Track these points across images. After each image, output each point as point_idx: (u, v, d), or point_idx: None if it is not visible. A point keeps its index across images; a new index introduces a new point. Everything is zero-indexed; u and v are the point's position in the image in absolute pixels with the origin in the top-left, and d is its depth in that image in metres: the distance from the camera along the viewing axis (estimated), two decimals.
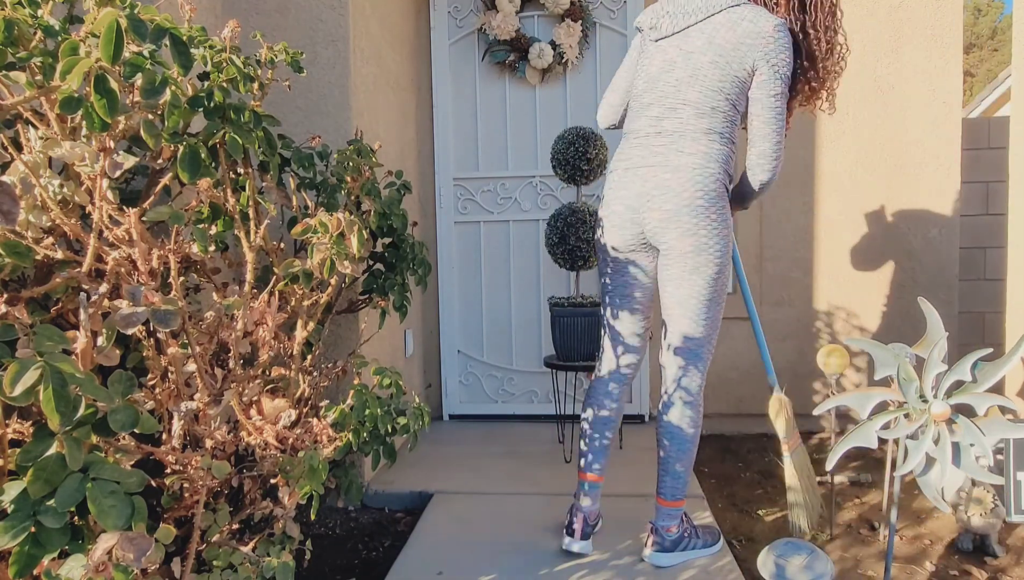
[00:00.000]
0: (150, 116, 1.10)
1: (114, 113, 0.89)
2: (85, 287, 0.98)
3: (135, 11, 0.91)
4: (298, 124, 2.10)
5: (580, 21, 2.86)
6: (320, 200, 1.68)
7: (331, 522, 2.06)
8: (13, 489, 0.77)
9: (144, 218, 1.10)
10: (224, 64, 1.26)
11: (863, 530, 2.00)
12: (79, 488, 0.79)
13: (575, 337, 2.37)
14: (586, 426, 1.76)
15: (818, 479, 2.38)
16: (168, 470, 1.07)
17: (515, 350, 3.07)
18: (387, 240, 1.94)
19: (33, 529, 0.77)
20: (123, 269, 1.02)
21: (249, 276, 1.27)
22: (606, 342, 1.75)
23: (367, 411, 1.36)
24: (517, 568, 1.63)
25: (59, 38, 1.01)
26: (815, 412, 1.56)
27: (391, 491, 2.18)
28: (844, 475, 2.39)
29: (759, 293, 2.95)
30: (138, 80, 0.95)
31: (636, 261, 1.67)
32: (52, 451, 0.79)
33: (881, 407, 1.49)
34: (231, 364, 1.23)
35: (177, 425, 1.07)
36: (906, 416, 1.45)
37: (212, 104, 1.21)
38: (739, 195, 1.68)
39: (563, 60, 2.89)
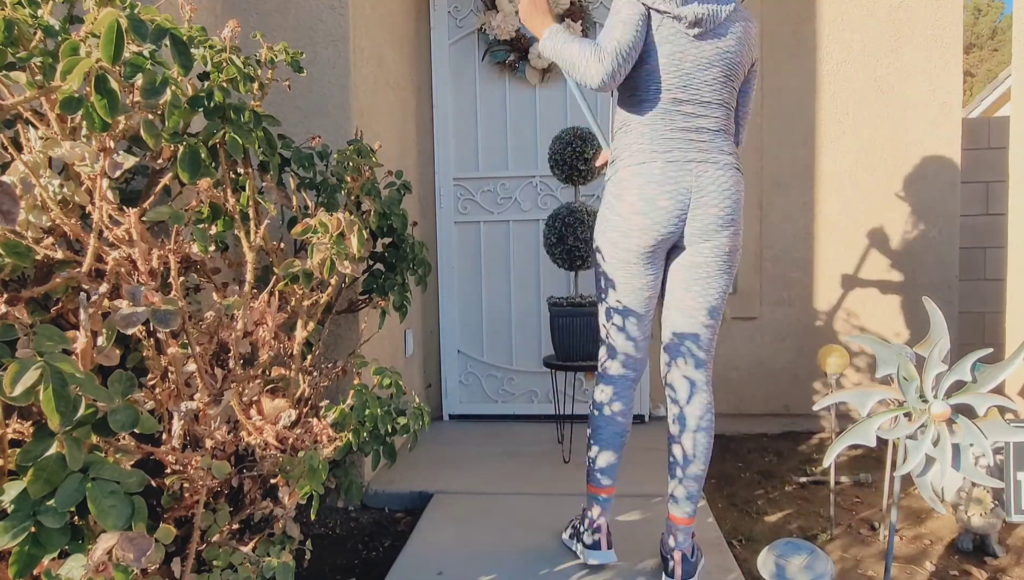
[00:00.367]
0: (150, 116, 1.10)
1: (114, 113, 0.89)
2: (85, 287, 0.98)
3: (135, 11, 0.92)
4: (298, 124, 2.10)
5: (580, 21, 2.86)
6: (320, 200, 1.68)
7: (331, 522, 2.06)
8: (13, 489, 0.77)
9: (144, 218, 1.10)
10: (224, 64, 1.26)
11: (863, 530, 2.00)
12: (79, 488, 0.79)
13: (574, 337, 2.37)
14: (600, 435, 1.65)
15: (816, 479, 2.38)
16: (168, 470, 1.07)
17: (515, 350, 3.07)
18: (387, 240, 1.94)
19: (33, 529, 0.77)
20: (123, 269, 1.02)
21: (249, 276, 1.27)
22: (617, 347, 1.64)
23: (367, 411, 1.36)
24: (517, 568, 1.63)
25: (59, 38, 1.01)
26: (815, 408, 1.56)
27: (391, 491, 2.18)
28: (844, 475, 2.39)
29: (759, 293, 2.95)
30: (138, 80, 0.95)
31: (657, 260, 1.58)
32: (52, 451, 0.79)
33: (881, 406, 1.49)
34: (231, 364, 1.23)
35: (177, 425, 1.07)
36: (906, 415, 1.45)
37: (212, 104, 1.21)
38: None
39: None
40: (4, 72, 0.99)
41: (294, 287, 1.38)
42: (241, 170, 1.39)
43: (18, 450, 0.80)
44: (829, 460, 1.53)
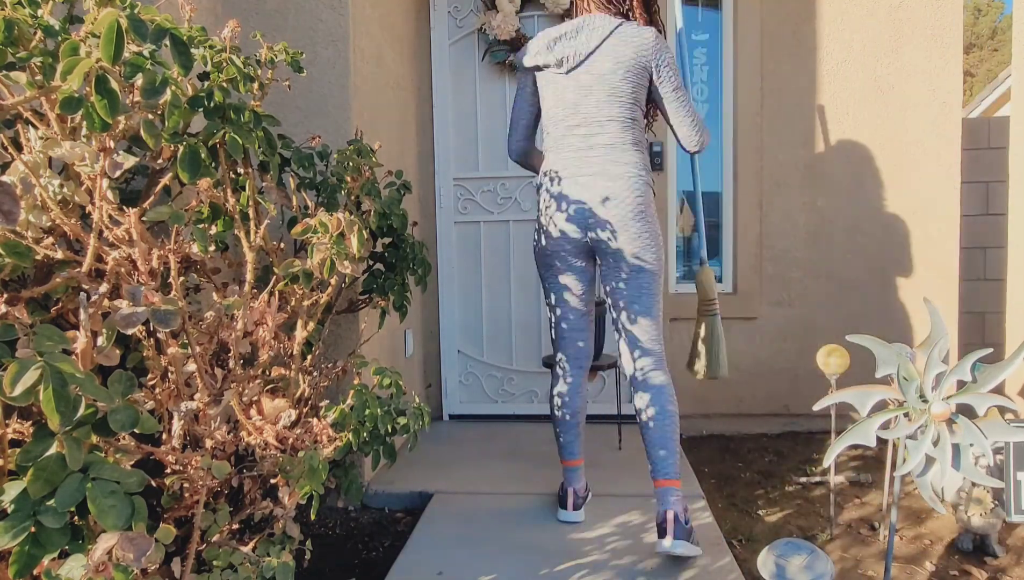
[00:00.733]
0: (150, 116, 1.10)
1: (114, 113, 0.89)
2: (85, 287, 0.98)
3: (135, 11, 0.92)
4: (298, 124, 2.10)
5: None
6: (320, 200, 1.68)
7: (331, 522, 2.06)
8: (13, 489, 0.77)
9: (144, 218, 1.10)
10: (224, 64, 1.26)
11: (863, 530, 2.00)
12: (79, 488, 0.79)
13: None
14: (555, 411, 1.91)
15: (816, 479, 2.39)
16: (168, 470, 1.07)
17: (515, 350, 3.07)
18: (387, 240, 1.94)
19: (33, 529, 0.77)
20: (123, 269, 1.02)
21: (249, 276, 1.27)
22: (555, 334, 1.90)
23: (367, 411, 1.36)
24: (517, 568, 1.63)
25: (59, 38, 1.01)
26: (815, 408, 1.56)
27: (391, 491, 2.18)
28: (844, 475, 2.39)
29: (759, 293, 2.95)
30: (138, 80, 0.95)
31: (581, 262, 1.81)
32: (52, 451, 0.79)
33: (881, 406, 1.49)
34: (231, 364, 1.23)
35: (177, 425, 1.07)
36: (906, 416, 1.45)
37: (212, 104, 1.21)
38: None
39: None
40: (4, 72, 0.99)
41: (294, 287, 1.38)
42: (241, 170, 1.39)
43: (18, 450, 0.80)
44: (829, 460, 1.53)
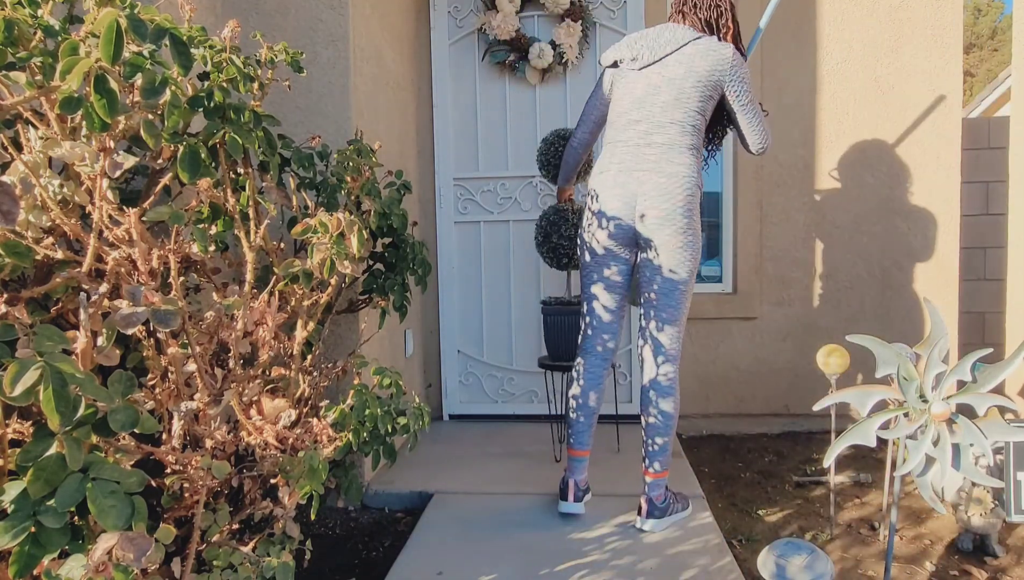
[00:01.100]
0: (150, 116, 1.10)
1: (114, 113, 0.89)
2: (85, 287, 0.98)
3: (135, 11, 0.91)
4: (298, 124, 2.10)
5: (580, 21, 2.86)
6: (320, 200, 1.68)
7: (331, 522, 2.06)
8: (13, 489, 0.77)
9: (144, 218, 1.10)
10: (224, 64, 1.26)
11: (863, 530, 2.00)
12: (79, 488, 0.79)
13: (563, 336, 2.37)
14: (569, 412, 1.94)
15: (816, 478, 2.39)
16: (168, 470, 1.07)
17: (515, 350, 3.07)
18: (387, 240, 1.94)
19: (33, 529, 0.77)
20: (123, 269, 1.02)
21: (249, 276, 1.27)
22: (586, 329, 1.94)
23: (367, 411, 1.36)
24: (517, 568, 1.63)
25: (59, 38, 1.01)
26: (815, 408, 1.56)
27: (391, 491, 2.18)
28: (844, 475, 2.39)
29: (759, 293, 2.95)
30: (138, 80, 0.95)
31: (624, 253, 1.86)
32: (52, 451, 0.79)
33: (881, 405, 1.49)
34: (231, 364, 1.23)
35: (177, 425, 1.07)
36: (906, 415, 1.45)
37: (212, 104, 1.21)
38: None
39: (563, 60, 2.89)
40: (4, 72, 0.99)
41: (294, 287, 1.38)
42: (241, 170, 1.39)
43: (18, 450, 0.80)
44: (829, 460, 1.53)
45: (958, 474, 1.39)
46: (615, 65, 1.90)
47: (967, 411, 1.40)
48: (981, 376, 1.41)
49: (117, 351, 0.97)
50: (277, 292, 1.32)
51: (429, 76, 2.99)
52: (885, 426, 1.46)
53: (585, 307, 1.94)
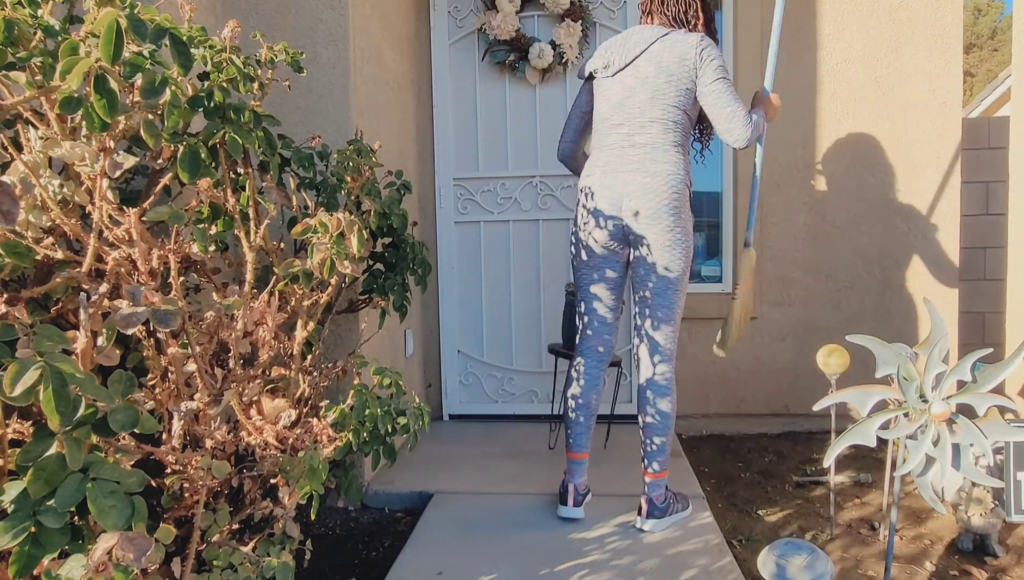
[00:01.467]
0: (150, 116, 1.10)
1: (114, 113, 0.89)
2: (85, 287, 0.98)
3: (135, 11, 0.92)
4: (298, 124, 2.10)
5: (580, 21, 2.86)
6: (320, 200, 1.68)
7: (331, 522, 2.06)
8: (13, 489, 0.77)
9: (144, 218, 1.10)
10: (224, 64, 1.26)
11: (863, 530, 2.00)
12: (79, 488, 0.79)
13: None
14: (568, 412, 1.94)
15: (816, 478, 2.39)
16: (168, 470, 1.07)
17: (515, 350, 3.07)
18: (387, 240, 1.94)
19: (33, 529, 0.77)
20: (123, 269, 1.02)
21: (249, 276, 1.27)
22: (585, 330, 1.95)
23: (367, 411, 1.36)
24: (517, 568, 1.63)
25: (59, 38, 1.01)
26: (815, 408, 1.56)
27: (391, 491, 2.18)
28: (844, 475, 2.39)
29: (759, 293, 2.95)
30: (138, 80, 0.95)
31: (615, 254, 1.88)
32: (52, 451, 0.79)
33: (881, 405, 1.49)
34: (231, 364, 1.23)
35: (177, 425, 1.07)
36: (906, 415, 1.45)
37: (212, 104, 1.21)
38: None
39: (563, 60, 2.89)
40: (4, 72, 0.99)
41: (294, 287, 1.38)
42: (241, 170, 1.39)
43: (18, 450, 0.80)
44: (829, 460, 1.53)
45: (958, 474, 1.38)
46: (592, 77, 1.93)
47: (967, 411, 1.40)
48: (981, 376, 1.41)
49: (117, 351, 0.97)
50: (277, 292, 1.32)
51: (429, 76, 2.99)
52: (885, 426, 1.46)
53: (582, 307, 1.95)
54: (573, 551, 1.71)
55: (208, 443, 1.11)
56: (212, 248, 1.28)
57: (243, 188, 1.37)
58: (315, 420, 1.25)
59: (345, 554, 1.86)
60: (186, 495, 1.09)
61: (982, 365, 1.43)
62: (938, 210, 2.85)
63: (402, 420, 1.45)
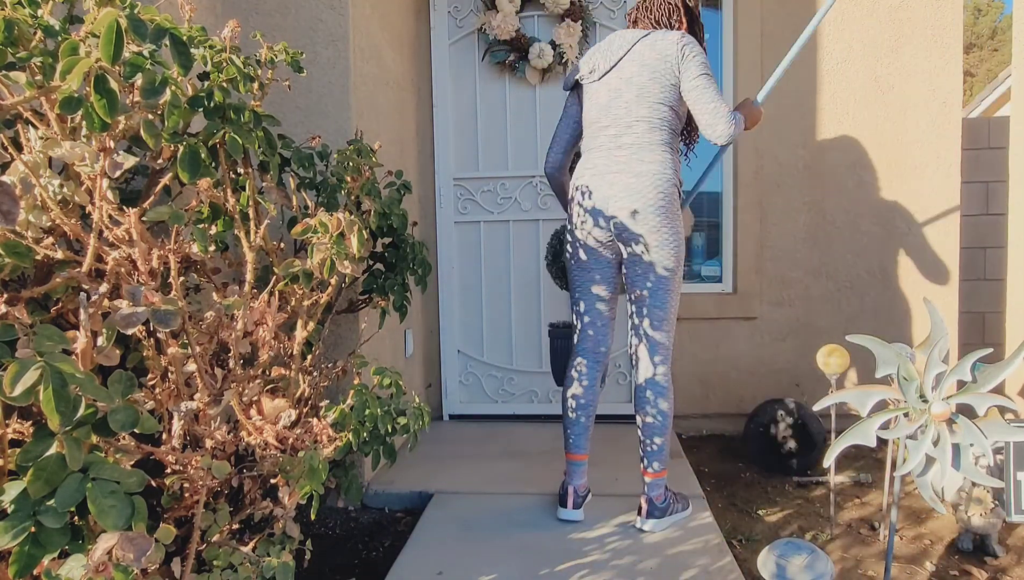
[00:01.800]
0: (150, 116, 1.10)
1: (114, 113, 0.89)
2: (85, 287, 0.98)
3: (135, 11, 0.91)
4: (298, 124, 2.10)
5: (580, 21, 2.86)
6: (320, 200, 1.68)
7: (331, 522, 2.06)
8: (13, 489, 0.77)
9: (144, 218, 1.10)
10: (224, 64, 1.26)
11: (863, 530, 2.00)
12: (79, 488, 0.79)
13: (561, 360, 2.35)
14: (569, 412, 1.94)
15: (817, 478, 2.39)
16: (168, 470, 1.07)
17: (515, 350, 3.07)
18: (387, 240, 1.94)
19: (33, 529, 0.77)
20: (123, 269, 1.02)
21: (249, 276, 1.27)
22: (584, 330, 1.95)
23: (367, 411, 1.36)
24: (517, 568, 1.63)
25: (59, 38, 1.01)
26: (815, 408, 1.56)
27: (391, 491, 2.18)
28: (844, 475, 2.39)
29: (759, 293, 2.95)
30: (138, 80, 0.95)
31: (606, 254, 1.89)
32: (52, 451, 0.79)
33: (881, 405, 1.49)
34: (231, 364, 1.23)
35: (177, 425, 1.07)
36: (906, 415, 1.45)
37: (212, 104, 1.21)
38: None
39: (563, 60, 2.89)
40: (4, 72, 0.99)
41: (294, 287, 1.38)
42: (241, 170, 1.39)
43: (18, 450, 0.80)
44: (829, 460, 1.53)
45: (958, 474, 1.38)
46: (578, 85, 1.95)
47: (967, 411, 1.40)
48: (981, 376, 1.41)
49: (117, 351, 0.97)
50: (277, 292, 1.32)
51: (429, 76, 2.99)
52: (885, 426, 1.46)
53: (581, 307, 1.96)
54: (573, 551, 1.71)
55: (208, 443, 1.11)
56: (212, 248, 1.28)
57: (243, 188, 1.37)
58: (315, 420, 1.25)
59: (345, 554, 1.86)
60: (186, 495, 1.09)
61: (982, 365, 1.43)
62: (938, 210, 2.85)
63: (402, 420, 1.45)
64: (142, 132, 1.07)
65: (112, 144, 1.00)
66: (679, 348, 2.97)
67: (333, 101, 2.10)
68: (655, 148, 1.80)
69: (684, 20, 1.91)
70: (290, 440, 1.20)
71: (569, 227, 1.94)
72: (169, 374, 1.10)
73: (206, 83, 1.24)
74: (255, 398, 1.23)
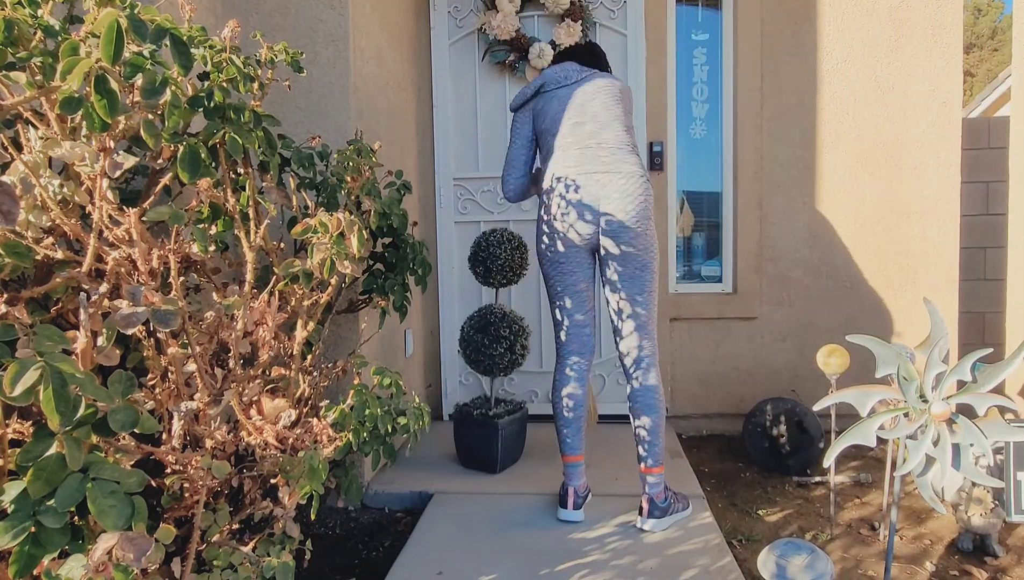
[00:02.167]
0: (150, 116, 1.10)
1: (114, 113, 0.89)
2: (85, 287, 0.98)
3: (135, 11, 0.91)
4: (298, 124, 2.10)
5: (580, 21, 2.86)
6: (320, 200, 1.68)
7: (331, 522, 2.06)
8: (13, 489, 0.77)
9: (144, 218, 1.10)
10: (224, 64, 1.26)
11: (863, 530, 2.00)
12: (79, 488, 0.79)
13: (474, 446, 2.34)
14: (565, 412, 1.94)
15: (817, 478, 2.39)
16: (168, 470, 1.07)
17: None
18: (387, 240, 1.94)
19: (33, 529, 0.77)
20: (123, 269, 1.02)
21: (249, 276, 1.27)
22: (572, 327, 1.94)
23: (367, 411, 1.36)
24: (517, 568, 1.63)
25: (59, 38, 1.01)
26: (815, 408, 1.56)
27: (391, 491, 2.18)
28: (844, 475, 2.39)
29: (759, 293, 2.95)
30: (138, 80, 0.95)
31: (586, 253, 1.90)
32: (52, 451, 0.79)
33: (881, 406, 1.49)
34: (231, 364, 1.23)
35: (177, 425, 1.07)
36: (906, 415, 1.45)
37: (212, 104, 1.21)
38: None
39: None
40: (4, 72, 0.99)
41: (294, 287, 1.38)
42: (241, 170, 1.39)
43: (18, 450, 0.80)
44: (829, 460, 1.53)
45: (958, 474, 1.38)
46: (537, 94, 1.94)
47: (967, 411, 1.40)
48: (981, 376, 1.41)
49: (117, 351, 0.97)
50: (277, 292, 1.32)
51: (429, 76, 2.99)
52: (885, 426, 1.46)
53: (567, 302, 1.93)
54: (573, 551, 1.71)
55: (208, 443, 1.11)
56: (212, 248, 1.28)
57: (243, 188, 1.37)
58: (315, 420, 1.25)
59: (345, 554, 1.86)
60: (186, 495, 1.09)
61: (982, 365, 1.43)
62: (938, 210, 2.85)
63: (402, 420, 1.45)
64: (142, 132, 1.07)
65: (112, 144, 1.00)
66: (680, 348, 2.97)
67: (333, 101, 2.10)
68: (631, 151, 1.87)
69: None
70: (290, 440, 1.20)
71: (546, 218, 1.91)
72: (169, 374, 1.10)
73: (206, 83, 1.24)
74: (255, 398, 1.23)
